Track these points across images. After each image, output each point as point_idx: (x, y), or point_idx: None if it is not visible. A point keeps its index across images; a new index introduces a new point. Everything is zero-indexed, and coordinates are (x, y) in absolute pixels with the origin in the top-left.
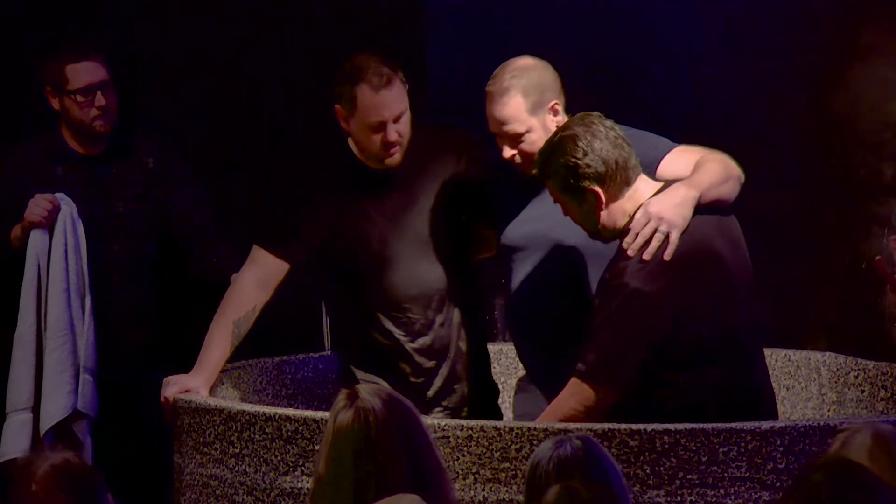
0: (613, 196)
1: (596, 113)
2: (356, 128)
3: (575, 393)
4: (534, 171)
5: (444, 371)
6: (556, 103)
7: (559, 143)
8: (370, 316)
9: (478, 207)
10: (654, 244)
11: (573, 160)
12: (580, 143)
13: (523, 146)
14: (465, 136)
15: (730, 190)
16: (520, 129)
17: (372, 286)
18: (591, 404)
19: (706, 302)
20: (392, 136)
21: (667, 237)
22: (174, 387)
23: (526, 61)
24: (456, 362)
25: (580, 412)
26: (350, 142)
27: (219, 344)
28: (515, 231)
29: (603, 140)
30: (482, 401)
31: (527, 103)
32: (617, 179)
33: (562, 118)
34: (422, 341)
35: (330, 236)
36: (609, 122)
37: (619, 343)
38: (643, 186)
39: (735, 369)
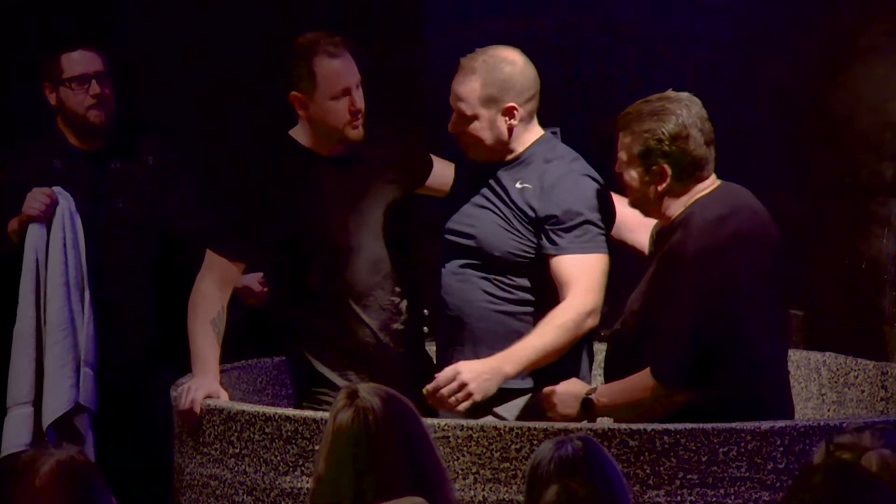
0: (677, 185)
1: (699, 101)
2: (319, 105)
3: (656, 394)
4: (469, 159)
5: (411, 356)
6: (515, 108)
7: (661, 110)
8: (336, 309)
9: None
10: (451, 403)
11: (662, 134)
12: (678, 123)
13: (468, 129)
14: (406, 130)
15: (555, 351)
16: (467, 111)
17: (337, 276)
18: (672, 404)
19: (763, 293)
20: (358, 102)
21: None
22: (199, 392)
23: (510, 54)
24: (418, 348)
25: (655, 410)
26: (296, 132)
27: (209, 342)
28: (452, 223)
29: (698, 133)
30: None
31: (481, 92)
32: (690, 174)
33: (516, 123)
34: (395, 326)
35: (288, 229)
36: (706, 114)
37: (696, 344)
38: (705, 182)
39: (775, 365)
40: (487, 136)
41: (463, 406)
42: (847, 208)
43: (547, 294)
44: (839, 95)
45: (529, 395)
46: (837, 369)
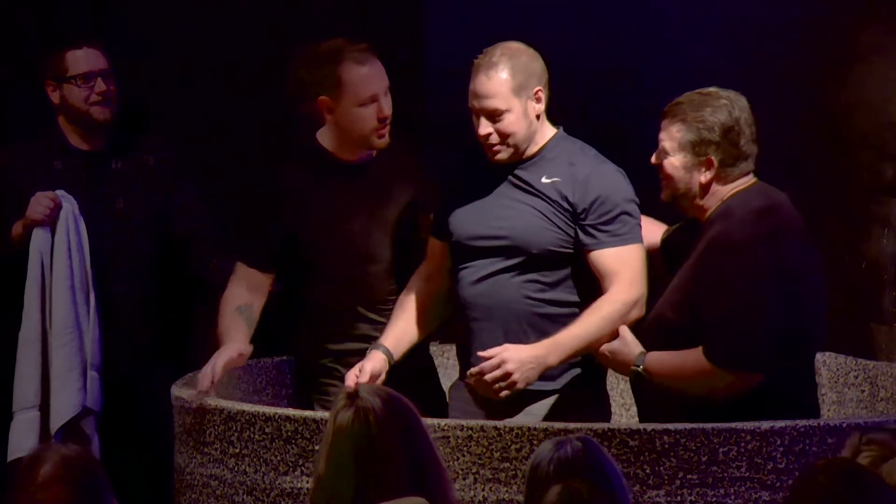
0: (721, 177)
1: (745, 99)
2: (345, 111)
3: (707, 376)
4: (486, 162)
5: (418, 356)
6: (540, 91)
7: (714, 102)
8: (353, 313)
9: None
10: (494, 390)
11: (715, 124)
12: (731, 116)
13: (499, 126)
14: (413, 142)
15: (598, 341)
16: (501, 105)
17: (355, 282)
18: (725, 389)
19: (806, 286)
20: (385, 110)
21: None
22: (219, 357)
23: (518, 45)
24: (423, 347)
25: (709, 391)
26: (322, 135)
27: (232, 323)
28: (472, 228)
29: (748, 129)
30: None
31: (513, 82)
32: (734, 167)
33: (542, 108)
34: None
35: (309, 234)
36: (751, 113)
37: (751, 327)
38: (744, 178)
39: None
40: (521, 128)
41: (504, 393)
42: (847, 208)
43: (587, 294)
44: (839, 95)
45: (556, 396)
46: (837, 369)
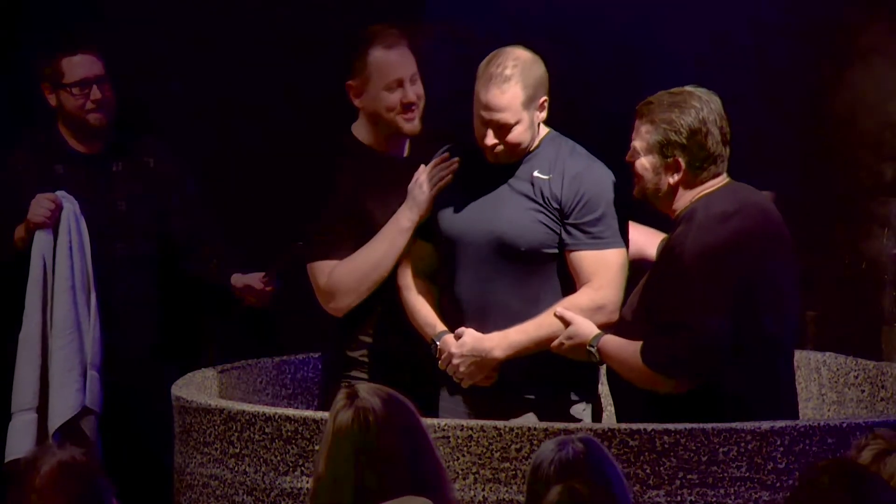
0: (690, 178)
1: (718, 98)
2: (372, 95)
3: (642, 375)
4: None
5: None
6: (545, 100)
7: (682, 102)
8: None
9: None
10: (443, 365)
11: (681, 126)
12: (698, 118)
13: (508, 137)
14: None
15: (553, 339)
16: (511, 119)
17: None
18: (666, 388)
19: (766, 292)
20: (411, 95)
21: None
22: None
23: (525, 53)
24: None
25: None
26: (357, 128)
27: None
28: (463, 223)
29: (716, 130)
30: None
31: (524, 96)
32: (703, 169)
33: (545, 115)
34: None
35: (355, 228)
36: (724, 113)
37: (686, 337)
38: (715, 180)
39: (787, 361)
40: (527, 137)
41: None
42: (847, 208)
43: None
44: (839, 95)
45: (547, 403)
46: (837, 369)
